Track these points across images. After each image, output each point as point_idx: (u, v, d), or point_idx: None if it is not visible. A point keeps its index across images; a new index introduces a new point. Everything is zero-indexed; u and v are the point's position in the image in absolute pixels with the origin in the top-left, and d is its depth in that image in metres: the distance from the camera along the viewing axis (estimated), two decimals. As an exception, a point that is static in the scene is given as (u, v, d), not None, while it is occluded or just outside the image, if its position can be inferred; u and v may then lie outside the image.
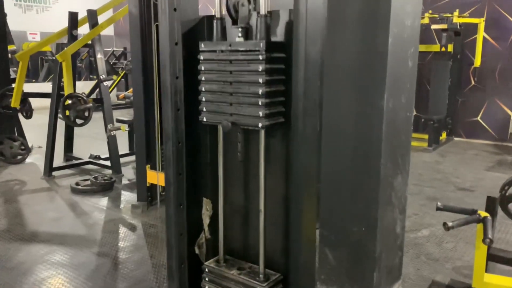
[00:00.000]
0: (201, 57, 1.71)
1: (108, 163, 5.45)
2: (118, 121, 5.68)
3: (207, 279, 1.84)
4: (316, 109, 1.56)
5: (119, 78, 11.31)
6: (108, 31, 12.96)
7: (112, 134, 5.14)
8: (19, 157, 5.89)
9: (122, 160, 5.47)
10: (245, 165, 1.80)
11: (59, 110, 4.94)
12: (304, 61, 1.46)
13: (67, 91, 4.62)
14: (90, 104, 4.62)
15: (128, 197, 4.52)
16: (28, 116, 6.20)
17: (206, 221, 1.93)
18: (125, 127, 5.17)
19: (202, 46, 1.69)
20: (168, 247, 1.87)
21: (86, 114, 4.70)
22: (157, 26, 3.96)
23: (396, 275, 2.72)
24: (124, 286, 2.76)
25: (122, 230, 3.69)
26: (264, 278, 1.70)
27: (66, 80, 4.66)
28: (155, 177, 4.07)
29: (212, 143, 1.88)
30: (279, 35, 1.61)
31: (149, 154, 4.10)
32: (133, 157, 5.88)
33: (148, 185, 4.12)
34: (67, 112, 4.55)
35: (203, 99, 1.77)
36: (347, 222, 2.52)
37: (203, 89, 1.75)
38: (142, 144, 4.07)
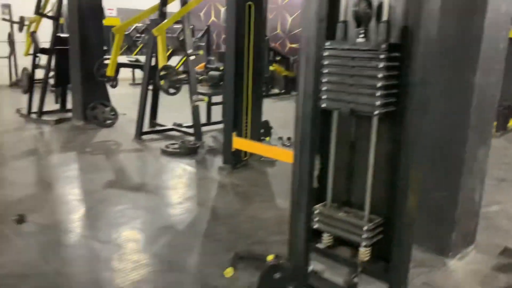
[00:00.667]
0: (326, 53, 2.06)
1: (189, 130, 5.99)
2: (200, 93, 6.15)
3: (317, 219, 2.23)
4: (424, 101, 1.86)
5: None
6: (174, 9, 13.50)
7: (196, 104, 5.63)
8: (109, 121, 6.54)
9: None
10: (357, 137, 2.16)
11: (149, 81, 5.49)
12: (416, 60, 1.78)
13: (161, 63, 5.12)
14: (183, 75, 5.11)
15: (212, 161, 5.01)
16: (114, 86, 6.84)
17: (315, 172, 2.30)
18: (207, 98, 5.64)
19: (327, 44, 2.04)
20: (293, 194, 2.24)
21: (178, 84, 5.19)
22: (249, 5, 4.40)
23: (471, 239, 3.01)
24: (224, 230, 3.23)
25: (214, 187, 4.16)
26: (368, 219, 2.06)
27: (161, 53, 5.16)
28: (241, 143, 4.52)
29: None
30: (395, 37, 1.94)
31: (236, 123, 4.54)
32: (210, 127, 6.40)
33: (233, 150, 4.57)
34: (162, 82, 5.06)
35: (325, 88, 2.13)
36: (431, 186, 2.83)
37: (325, 80, 2.10)
38: (231, 114, 4.50)
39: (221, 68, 6.74)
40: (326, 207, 2.27)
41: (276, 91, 10.63)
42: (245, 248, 2.93)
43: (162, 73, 5.05)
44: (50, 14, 6.68)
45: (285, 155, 4.18)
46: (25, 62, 9.81)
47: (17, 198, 3.73)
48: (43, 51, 6.53)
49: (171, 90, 5.19)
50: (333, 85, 2.09)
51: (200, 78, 10.90)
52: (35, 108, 6.79)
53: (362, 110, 2.00)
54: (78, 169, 4.58)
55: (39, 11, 6.41)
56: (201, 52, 6.23)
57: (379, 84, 1.90)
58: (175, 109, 7.41)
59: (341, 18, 2.05)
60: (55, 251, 2.85)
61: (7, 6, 10.44)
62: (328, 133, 2.20)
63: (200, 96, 5.66)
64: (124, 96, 6.84)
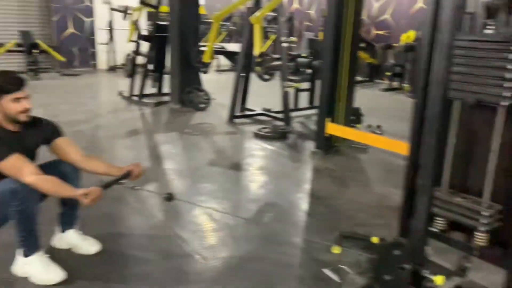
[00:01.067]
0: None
1: (278, 116, 6.20)
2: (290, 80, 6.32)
3: (435, 203, 2.31)
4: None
5: (270, 41, 12.07)
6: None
7: (287, 90, 5.81)
8: (202, 105, 6.93)
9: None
10: (478, 125, 2.19)
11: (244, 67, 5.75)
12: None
13: (258, 50, 5.35)
14: (277, 62, 5.30)
15: (302, 145, 5.18)
16: (206, 72, 7.22)
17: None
18: (299, 84, 5.79)
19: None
20: (407, 179, 2.34)
21: (272, 71, 5.40)
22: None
23: None
24: (326, 210, 3.38)
25: (309, 170, 4.33)
26: (487, 205, 2.11)
27: (257, 40, 5.38)
28: (335, 129, 4.63)
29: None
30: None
31: (330, 109, 4.65)
32: (297, 112, 6.55)
33: (326, 135, 4.70)
34: (258, 69, 5.29)
35: (452, 78, 2.18)
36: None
37: (452, 71, 2.16)
38: (326, 100, 4.62)
39: (303, 55, 6.86)
40: (442, 192, 2.34)
41: (359, 78, 10.53)
42: (348, 229, 3.07)
43: (258, 60, 5.27)
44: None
45: (381, 142, 4.24)
46: (122, 48, 10.64)
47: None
48: (145, 38, 7.03)
49: (266, 76, 5.40)
50: (458, 76, 2.14)
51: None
52: (135, 91, 7.36)
53: (489, 101, 2.04)
54: (181, 148, 4.97)
55: (143, 1, 6.90)
56: (294, 39, 6.36)
57: (508, 75, 1.94)
58: (261, 95, 7.67)
59: (469, 9, 2.09)
60: (176, 217, 3.18)
61: (108, -4, 11.28)
62: (447, 121, 2.25)
63: (291, 83, 5.82)
64: (210, 81, 7.23)
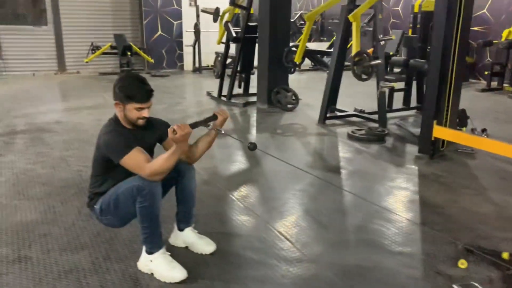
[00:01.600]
0: None
1: (371, 117, 5.97)
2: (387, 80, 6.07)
3: None
4: None
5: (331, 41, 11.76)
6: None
7: (384, 90, 5.57)
8: (290, 105, 6.87)
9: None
10: None
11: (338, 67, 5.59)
12: None
13: (356, 49, 5.17)
14: (376, 61, 5.09)
15: (403, 149, 4.92)
16: (292, 72, 7.14)
17: None
18: (396, 84, 5.52)
19: None
20: None
21: (370, 70, 5.20)
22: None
23: None
24: (441, 219, 3.15)
25: (415, 176, 4.08)
26: None
27: (355, 39, 5.21)
28: (442, 133, 4.34)
29: None
30: None
31: (438, 111, 4.36)
32: (392, 114, 6.26)
33: (432, 139, 4.42)
34: (355, 68, 5.12)
35: None
36: None
37: None
38: (433, 100, 4.35)
39: (391, 53, 6.54)
40: None
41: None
42: (469, 241, 2.83)
43: (356, 59, 5.09)
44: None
45: (495, 147, 3.89)
46: (207, 50, 10.90)
47: (231, 172, 4.20)
48: (235, 39, 7.11)
49: (364, 76, 5.21)
50: None
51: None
52: (224, 91, 7.48)
53: None
54: (275, 149, 4.92)
55: (234, 1, 6.97)
56: (393, 37, 6.10)
57: None
58: (349, 95, 7.47)
59: None
60: (276, 217, 3.13)
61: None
62: None
63: (388, 83, 5.57)
64: (293, 81, 7.16)
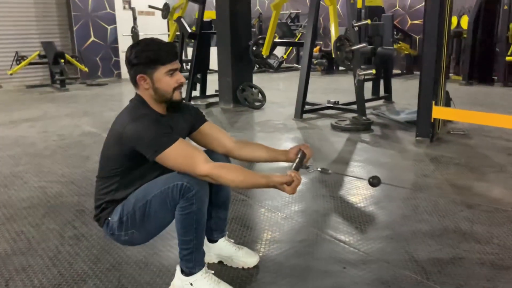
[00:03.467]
0: None
1: (348, 108, 5.70)
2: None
3: None
4: None
5: (297, 39, 11.66)
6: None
7: (361, 78, 5.31)
8: (258, 103, 6.42)
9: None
10: None
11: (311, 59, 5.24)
12: None
13: (336, 34, 4.85)
14: (358, 46, 4.80)
15: (395, 135, 4.66)
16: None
17: None
18: (374, 70, 5.29)
19: None
20: None
21: (351, 55, 4.90)
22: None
23: None
24: (482, 200, 2.86)
25: (426, 160, 3.79)
26: None
27: (334, 23, 4.89)
28: (443, 113, 4.13)
29: None
30: None
31: (435, 91, 4.15)
32: (369, 103, 6.03)
33: (431, 121, 4.19)
34: (338, 54, 4.79)
35: None
36: None
37: None
38: (430, 80, 4.12)
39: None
40: None
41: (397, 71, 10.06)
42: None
43: (338, 44, 4.77)
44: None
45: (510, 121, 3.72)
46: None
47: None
48: (192, 35, 6.53)
49: (346, 62, 4.90)
50: None
51: (315, 61, 10.64)
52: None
53: None
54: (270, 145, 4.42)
55: (187, -5, 6.41)
56: (368, 21, 5.88)
57: None
58: (312, 91, 7.19)
59: None
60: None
61: (127, 1, 10.83)
62: None
63: (367, 71, 5.32)
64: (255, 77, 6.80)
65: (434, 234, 2.43)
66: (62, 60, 8.92)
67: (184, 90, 6.68)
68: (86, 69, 9.87)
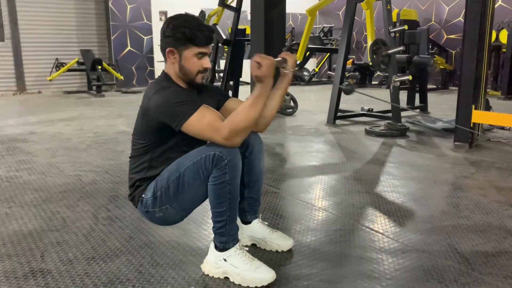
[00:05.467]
0: None
1: (381, 115, 5.60)
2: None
3: None
4: None
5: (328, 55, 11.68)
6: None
7: (397, 84, 5.22)
8: (290, 110, 6.40)
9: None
10: None
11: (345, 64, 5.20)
12: None
13: (371, 38, 4.81)
14: (396, 49, 4.73)
15: (432, 141, 4.53)
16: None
17: None
18: (411, 77, 5.20)
19: None
20: None
21: (387, 60, 4.83)
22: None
23: None
24: None
25: (466, 165, 3.66)
26: None
27: (371, 26, 4.85)
28: (483, 117, 4.00)
29: None
30: None
31: (475, 95, 4.02)
32: (405, 113, 5.92)
33: (471, 125, 4.05)
34: (374, 57, 4.73)
35: None
36: None
37: None
38: (470, 82, 4.00)
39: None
40: None
41: (432, 86, 9.86)
42: None
43: (374, 47, 4.72)
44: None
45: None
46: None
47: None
48: (226, 42, 6.60)
49: (382, 66, 4.84)
50: None
51: (347, 74, 10.59)
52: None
53: None
54: (299, 147, 4.38)
55: (223, 2, 6.50)
56: (406, 27, 5.82)
57: None
58: (343, 101, 7.12)
59: None
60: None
61: (164, 13, 11.12)
62: None
63: (403, 77, 5.22)
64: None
65: (477, 229, 2.31)
66: (99, 67, 9.18)
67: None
68: (121, 77, 10.12)
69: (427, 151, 4.13)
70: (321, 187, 3.08)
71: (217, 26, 6.72)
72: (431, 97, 7.48)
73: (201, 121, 1.68)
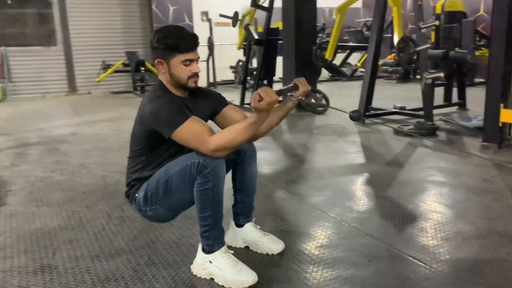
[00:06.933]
0: None
1: (414, 113, 5.46)
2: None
3: None
4: None
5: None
6: (356, 3, 13.03)
7: (428, 82, 5.06)
8: (321, 108, 6.35)
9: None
10: None
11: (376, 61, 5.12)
12: None
13: (399, 35, 4.71)
14: (426, 46, 4.60)
15: (462, 141, 4.38)
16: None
17: None
18: (443, 74, 5.02)
19: None
20: None
21: (416, 57, 4.71)
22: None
23: None
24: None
25: (490, 166, 3.53)
26: None
27: (397, 24, 4.75)
28: (510, 116, 3.82)
29: None
30: None
31: (504, 92, 3.85)
32: (440, 110, 5.73)
33: (500, 125, 3.89)
34: (401, 55, 4.64)
35: None
36: None
37: None
38: (498, 79, 3.84)
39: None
40: None
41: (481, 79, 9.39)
42: None
43: (400, 45, 4.62)
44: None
45: None
46: (221, 65, 10.54)
47: (282, 168, 3.67)
48: (258, 42, 6.69)
49: (410, 64, 4.73)
50: None
51: (390, 69, 10.31)
52: (246, 99, 7.02)
53: None
54: (320, 147, 4.40)
55: (255, 2, 6.58)
56: (437, 22, 5.65)
57: None
58: (381, 98, 7.00)
59: None
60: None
61: (205, 13, 11.36)
62: None
63: (435, 74, 5.05)
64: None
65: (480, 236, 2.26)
66: (143, 68, 9.57)
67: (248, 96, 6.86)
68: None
69: (453, 151, 4.01)
70: (332, 190, 3.09)
71: (249, 26, 6.81)
72: (476, 91, 7.18)
73: (189, 132, 1.78)
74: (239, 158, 2.05)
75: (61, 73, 10.30)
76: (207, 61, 10.70)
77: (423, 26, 5.05)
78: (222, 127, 2.08)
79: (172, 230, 2.43)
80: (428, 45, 4.66)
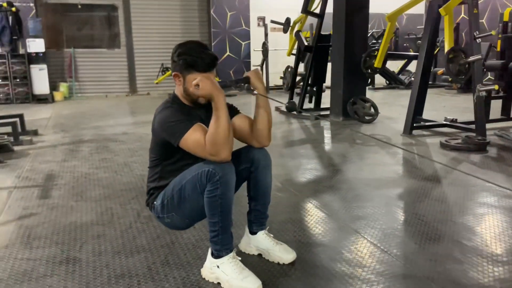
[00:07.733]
0: None
1: (466, 127, 5.19)
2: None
3: None
4: None
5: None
6: (418, 10, 12.59)
7: (482, 95, 4.81)
8: (369, 117, 6.24)
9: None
10: None
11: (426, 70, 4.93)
12: None
13: (449, 45, 4.52)
14: (477, 57, 4.38)
15: (512, 158, 4.13)
16: (368, 83, 6.53)
17: None
18: (497, 86, 4.75)
19: None
20: None
21: (466, 68, 4.50)
22: None
23: None
24: None
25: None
26: None
27: (448, 34, 4.56)
28: None
29: None
30: None
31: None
32: (490, 125, 5.43)
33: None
34: (450, 66, 4.45)
35: None
36: None
37: None
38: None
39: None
40: None
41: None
42: None
43: (450, 56, 4.44)
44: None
45: None
46: (273, 69, 10.61)
47: (308, 179, 3.66)
48: (308, 48, 6.68)
49: (459, 76, 4.52)
50: None
51: (450, 79, 9.88)
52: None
53: None
54: (356, 158, 4.32)
55: (306, 9, 6.58)
56: (493, 32, 5.37)
57: None
58: (435, 109, 6.73)
59: None
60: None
61: (262, 18, 11.50)
62: None
63: (489, 87, 4.79)
64: (369, 97, 6.53)
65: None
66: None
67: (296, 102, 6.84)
68: (219, 80, 10.68)
69: (499, 169, 3.78)
70: (360, 204, 3.03)
71: (300, 33, 6.80)
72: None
73: (192, 140, 1.86)
74: (252, 167, 2.08)
75: (123, 74, 10.87)
76: (261, 65, 10.82)
77: (478, 35, 4.81)
78: (234, 136, 2.12)
79: (192, 233, 2.51)
80: (479, 57, 4.42)
